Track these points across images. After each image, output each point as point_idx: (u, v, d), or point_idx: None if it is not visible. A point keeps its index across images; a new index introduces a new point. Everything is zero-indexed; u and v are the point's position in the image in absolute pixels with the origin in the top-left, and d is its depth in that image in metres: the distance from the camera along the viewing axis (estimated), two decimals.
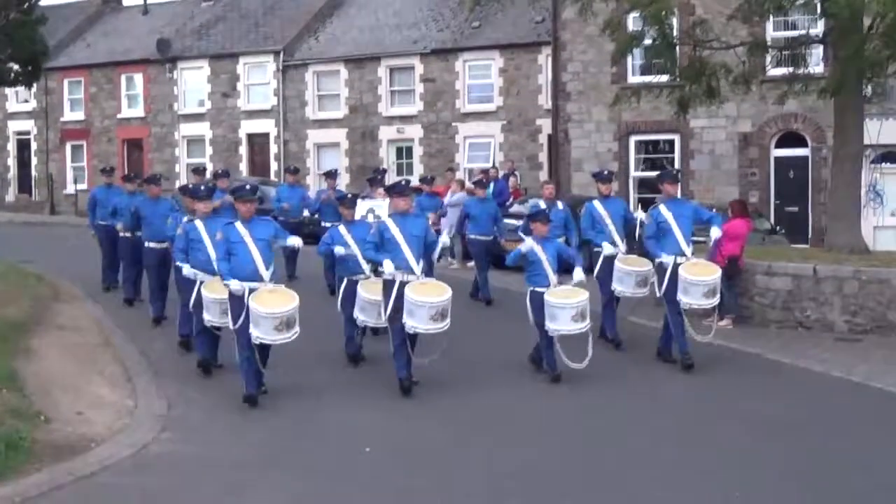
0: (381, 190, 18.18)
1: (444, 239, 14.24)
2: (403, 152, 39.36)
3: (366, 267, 14.00)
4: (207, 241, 13.32)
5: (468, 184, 28.80)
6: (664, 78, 21.42)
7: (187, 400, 12.30)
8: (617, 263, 15.27)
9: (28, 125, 47.47)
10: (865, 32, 17.73)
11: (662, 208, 14.43)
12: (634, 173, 31.66)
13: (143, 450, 10.26)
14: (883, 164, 28.02)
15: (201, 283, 13.36)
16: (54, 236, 33.62)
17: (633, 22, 22.30)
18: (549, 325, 13.16)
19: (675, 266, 14.08)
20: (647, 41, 20.15)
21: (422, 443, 10.77)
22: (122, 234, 18.27)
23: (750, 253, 17.86)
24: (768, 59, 22.31)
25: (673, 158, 31.22)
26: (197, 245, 13.57)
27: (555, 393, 12.87)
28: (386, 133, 39.44)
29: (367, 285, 13.84)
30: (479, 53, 37.85)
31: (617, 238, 15.59)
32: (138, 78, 44.74)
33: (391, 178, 33.36)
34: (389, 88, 39.43)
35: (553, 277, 13.42)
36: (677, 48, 21.18)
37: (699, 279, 13.98)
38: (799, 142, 29.80)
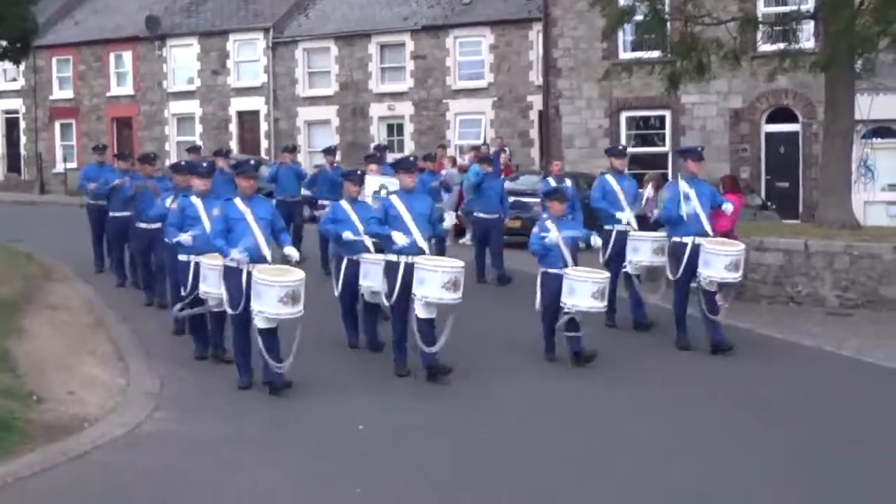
0: (373, 166, 17.84)
1: (448, 222, 13.66)
2: (394, 129, 39.28)
3: (371, 247, 13.39)
4: (205, 218, 12.69)
5: (460, 160, 28.85)
6: (655, 54, 21.45)
7: (180, 379, 12.25)
8: (630, 234, 14.88)
9: (16, 104, 47.27)
10: (856, 8, 17.74)
11: (683, 184, 13.96)
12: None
13: (136, 429, 10.23)
14: (874, 139, 28.03)
15: (196, 264, 12.74)
16: (44, 215, 33.50)
17: None
18: (567, 301, 12.69)
19: (695, 247, 13.63)
20: (638, 17, 20.12)
21: (417, 422, 10.74)
22: (111, 213, 18.15)
23: (741, 229, 17.83)
24: (759, 34, 22.30)
25: (664, 134, 31.24)
26: (193, 222, 12.87)
27: (539, 373, 12.81)
28: (376, 110, 39.35)
29: (370, 256, 13.32)
30: (470, 30, 37.75)
31: (630, 216, 15.14)
32: (127, 56, 44.56)
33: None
34: (380, 65, 39.32)
35: (569, 258, 13.03)
36: (668, 24, 21.16)
37: (722, 249, 13.53)
38: (790, 117, 29.81)
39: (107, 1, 48.25)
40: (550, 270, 12.98)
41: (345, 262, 13.62)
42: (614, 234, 15.01)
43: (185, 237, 12.79)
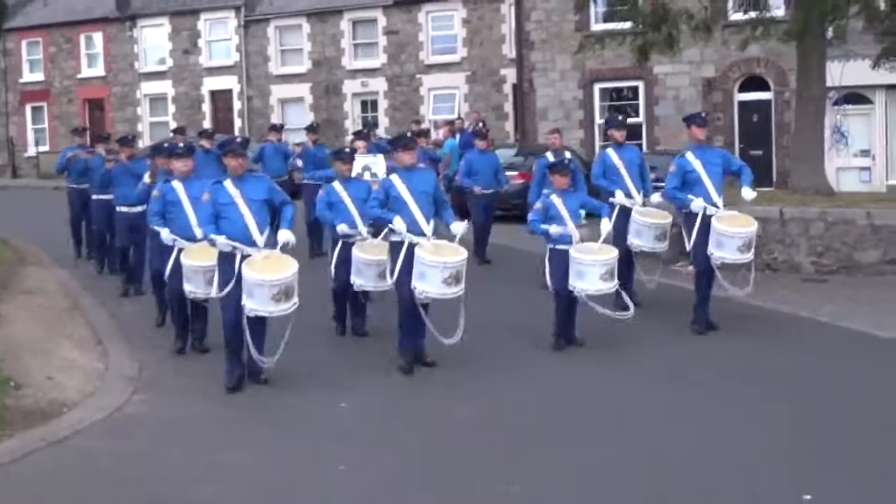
0: (361, 142, 17.55)
1: (460, 229, 11.66)
2: (368, 105, 39.22)
3: (363, 228, 12.83)
4: (187, 204, 12.09)
5: (434, 135, 28.82)
6: (627, 25, 21.39)
7: (158, 361, 12.20)
8: (634, 215, 14.22)
9: None
10: None
11: (690, 156, 13.14)
12: (599, 121, 31.58)
13: (116, 412, 10.20)
14: (846, 105, 28.14)
15: (180, 250, 12.08)
16: (17, 200, 33.30)
17: None
18: (576, 285, 12.04)
19: (706, 217, 12.87)
20: None
21: (403, 400, 10.70)
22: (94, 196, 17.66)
23: None
24: (730, 3, 22.30)
25: (637, 105, 31.28)
26: (175, 208, 12.19)
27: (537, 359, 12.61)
28: (350, 87, 39.27)
29: (363, 247, 12.70)
30: (442, 4, 37.71)
31: (633, 189, 14.50)
32: (98, 37, 44.29)
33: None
34: (352, 42, 39.25)
35: (576, 234, 12.28)
36: None
37: (735, 230, 12.79)
38: (762, 85, 29.94)
39: None
40: (559, 247, 12.25)
41: (339, 245, 12.97)
42: (616, 211, 14.25)
43: (165, 234, 12.16)
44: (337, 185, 13.19)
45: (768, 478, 8.08)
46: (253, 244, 10.70)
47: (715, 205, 12.93)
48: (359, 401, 10.55)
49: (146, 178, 13.85)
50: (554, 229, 12.16)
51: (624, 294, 12.73)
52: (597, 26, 30.35)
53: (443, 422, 9.88)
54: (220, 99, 42.02)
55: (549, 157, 16.43)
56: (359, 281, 12.66)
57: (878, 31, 20.64)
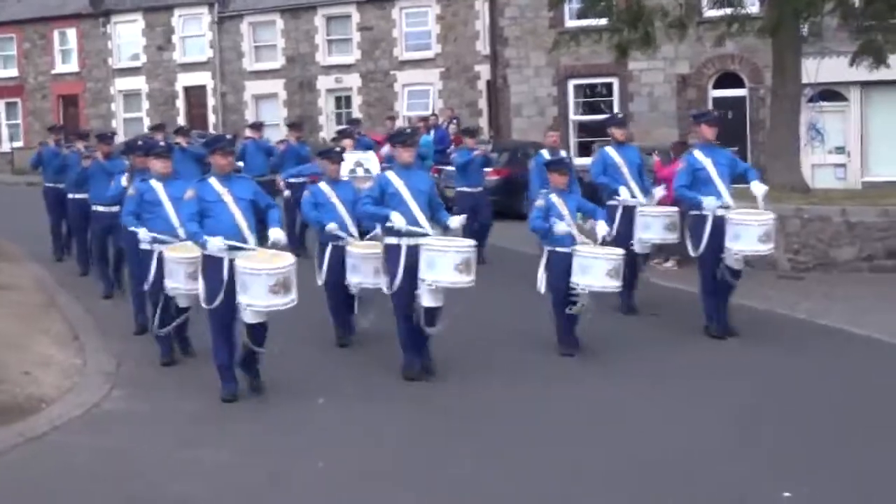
0: (348, 140, 17.24)
1: (457, 223, 11.47)
2: (342, 102, 39.20)
3: (353, 230, 12.30)
4: (168, 205, 11.61)
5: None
6: (602, 21, 21.42)
7: (136, 357, 12.11)
8: (640, 209, 13.75)
9: None
10: None
11: (698, 154, 12.81)
12: (574, 117, 31.65)
13: (94, 408, 10.16)
14: (821, 102, 28.25)
15: (160, 253, 11.52)
16: None
17: None
18: (580, 280, 11.59)
19: (717, 219, 12.36)
20: None
21: (383, 398, 10.61)
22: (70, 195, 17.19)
23: None
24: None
25: (612, 102, 31.32)
26: (155, 209, 11.71)
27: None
28: (324, 83, 39.26)
29: (356, 244, 12.18)
30: (416, 1, 37.69)
31: (635, 188, 13.92)
32: (71, 33, 44.15)
33: (331, 129, 33.32)
34: (326, 37, 39.25)
35: (577, 235, 11.93)
36: None
37: (754, 218, 12.34)
38: (737, 82, 30.00)
39: None
40: (559, 249, 11.84)
41: (329, 248, 12.41)
42: (620, 209, 13.82)
43: (143, 233, 11.68)
44: (324, 185, 12.71)
45: (749, 475, 8.10)
46: (244, 243, 10.23)
47: (727, 205, 12.49)
48: (338, 398, 10.50)
49: (123, 181, 13.42)
50: (560, 227, 11.73)
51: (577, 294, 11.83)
52: (571, 23, 30.32)
53: (424, 418, 9.88)
54: (194, 95, 41.94)
55: (545, 154, 16.25)
56: (356, 279, 12.10)
57: (853, 28, 20.71)
